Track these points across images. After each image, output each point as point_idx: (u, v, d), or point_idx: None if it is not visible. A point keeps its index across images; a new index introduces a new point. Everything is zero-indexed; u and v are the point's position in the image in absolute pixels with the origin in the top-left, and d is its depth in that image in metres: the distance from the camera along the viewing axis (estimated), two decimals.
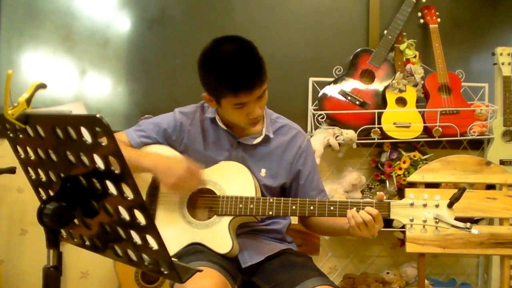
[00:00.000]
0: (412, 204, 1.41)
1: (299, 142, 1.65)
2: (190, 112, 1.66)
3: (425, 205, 1.40)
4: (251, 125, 1.55)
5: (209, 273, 1.32)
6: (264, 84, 1.47)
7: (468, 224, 1.34)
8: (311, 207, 1.47)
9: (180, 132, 1.63)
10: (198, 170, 1.50)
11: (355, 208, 1.41)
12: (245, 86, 1.42)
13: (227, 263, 1.45)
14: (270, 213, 1.49)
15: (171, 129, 1.63)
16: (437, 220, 1.38)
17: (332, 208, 1.46)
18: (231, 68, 1.42)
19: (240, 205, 1.49)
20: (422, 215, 1.39)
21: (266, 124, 1.63)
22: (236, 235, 1.55)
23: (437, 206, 1.39)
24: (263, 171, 1.60)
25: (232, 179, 1.54)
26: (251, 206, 1.49)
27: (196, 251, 1.47)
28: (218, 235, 1.50)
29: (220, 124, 1.61)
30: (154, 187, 1.59)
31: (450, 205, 1.37)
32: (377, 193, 1.46)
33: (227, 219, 1.51)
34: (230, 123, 1.61)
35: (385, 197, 1.43)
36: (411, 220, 1.40)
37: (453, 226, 1.36)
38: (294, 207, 1.49)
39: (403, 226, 1.43)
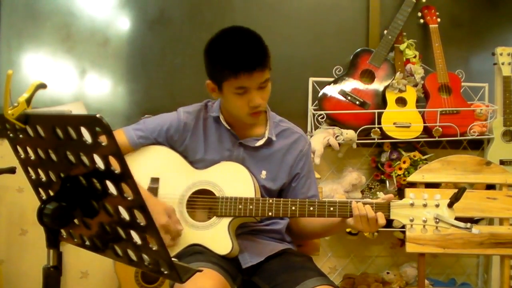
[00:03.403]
0: (412, 204, 1.41)
1: (301, 146, 1.65)
2: (194, 111, 1.65)
3: (425, 205, 1.40)
4: (252, 117, 1.54)
5: (209, 274, 1.32)
6: (266, 71, 1.49)
7: (469, 224, 1.33)
8: (311, 208, 1.47)
9: (183, 132, 1.62)
10: (175, 231, 1.50)
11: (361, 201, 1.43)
12: (246, 67, 1.44)
13: (226, 264, 1.45)
14: (270, 213, 1.49)
15: (173, 129, 1.62)
16: (438, 220, 1.38)
17: (332, 208, 1.46)
18: (234, 48, 1.46)
19: (240, 206, 1.49)
20: (423, 215, 1.39)
21: (269, 127, 1.63)
22: (236, 235, 1.55)
23: (437, 206, 1.38)
24: (264, 173, 1.60)
25: (231, 180, 1.54)
26: (251, 207, 1.49)
27: (195, 252, 1.47)
28: (218, 236, 1.50)
29: (224, 123, 1.61)
30: (153, 188, 1.59)
31: (450, 205, 1.37)
32: (388, 195, 1.46)
33: (226, 220, 1.50)
34: (233, 122, 1.61)
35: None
36: (411, 220, 1.40)
37: (453, 226, 1.36)
38: (293, 207, 1.48)
39: (403, 226, 1.43)
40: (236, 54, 1.45)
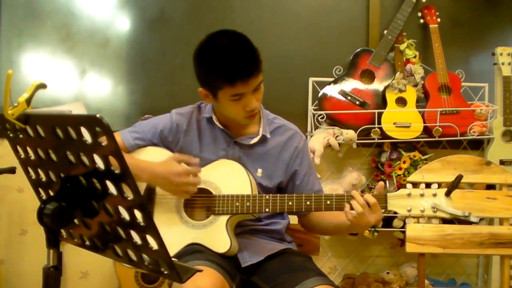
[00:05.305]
0: (409, 195, 1.40)
1: (296, 143, 1.65)
2: (187, 113, 1.66)
3: (422, 195, 1.39)
4: (248, 119, 1.54)
5: (207, 272, 1.32)
6: (260, 74, 1.48)
7: (467, 212, 1.33)
8: (308, 202, 1.48)
9: (176, 133, 1.63)
10: (193, 168, 1.51)
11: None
12: (242, 75, 1.43)
13: (225, 263, 1.45)
14: (267, 210, 1.49)
15: (167, 130, 1.63)
16: (435, 209, 1.37)
17: (328, 202, 1.46)
18: (227, 58, 1.44)
19: (237, 204, 1.50)
20: (420, 205, 1.38)
21: (263, 124, 1.63)
22: (235, 234, 1.55)
23: (434, 195, 1.38)
24: (259, 171, 1.61)
25: (228, 178, 1.54)
26: (248, 204, 1.49)
27: (194, 251, 1.47)
28: (216, 235, 1.50)
29: (217, 123, 1.61)
30: (150, 189, 1.59)
31: (448, 194, 1.36)
32: (379, 183, 1.44)
33: (224, 218, 1.51)
34: (226, 122, 1.61)
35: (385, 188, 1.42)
36: (409, 211, 1.39)
37: (451, 214, 1.35)
38: (290, 203, 1.49)
39: (403, 226, 1.43)
40: (230, 63, 1.43)
